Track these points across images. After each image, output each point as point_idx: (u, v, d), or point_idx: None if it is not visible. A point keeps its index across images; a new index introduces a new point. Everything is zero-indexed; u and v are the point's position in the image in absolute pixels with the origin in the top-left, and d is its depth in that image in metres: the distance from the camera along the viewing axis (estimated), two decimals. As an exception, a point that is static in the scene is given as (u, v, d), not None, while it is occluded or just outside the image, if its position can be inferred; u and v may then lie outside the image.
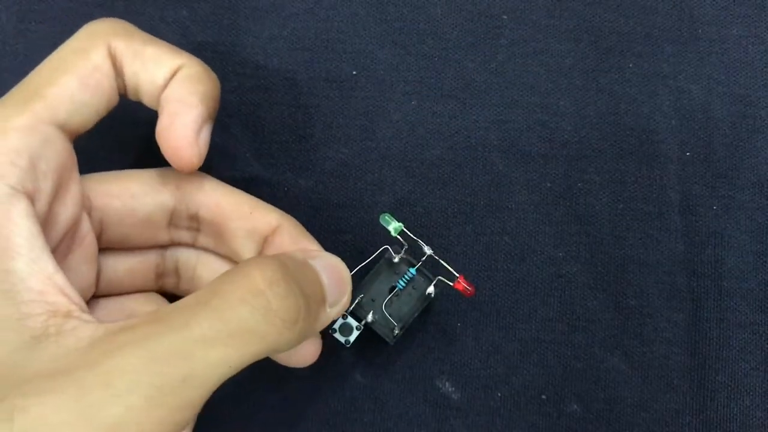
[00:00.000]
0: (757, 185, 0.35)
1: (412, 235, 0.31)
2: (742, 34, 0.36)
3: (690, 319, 0.34)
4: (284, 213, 0.31)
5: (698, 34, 0.36)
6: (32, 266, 0.24)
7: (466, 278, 0.31)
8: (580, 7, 0.36)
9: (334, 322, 0.31)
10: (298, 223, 0.31)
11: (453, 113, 0.35)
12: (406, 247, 0.31)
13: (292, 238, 0.30)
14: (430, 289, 0.32)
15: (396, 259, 0.32)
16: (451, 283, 0.31)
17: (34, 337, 0.23)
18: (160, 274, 0.32)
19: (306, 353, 0.31)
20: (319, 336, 0.31)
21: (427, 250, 0.31)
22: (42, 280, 0.24)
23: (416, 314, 0.32)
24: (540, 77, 0.36)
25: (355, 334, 0.32)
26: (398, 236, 0.31)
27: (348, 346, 0.31)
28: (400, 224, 0.31)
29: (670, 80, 0.35)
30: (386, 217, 0.31)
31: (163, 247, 0.32)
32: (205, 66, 0.30)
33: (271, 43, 0.36)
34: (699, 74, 0.35)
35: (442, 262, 0.31)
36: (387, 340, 0.32)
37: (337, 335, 0.31)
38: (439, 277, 0.31)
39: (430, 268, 0.32)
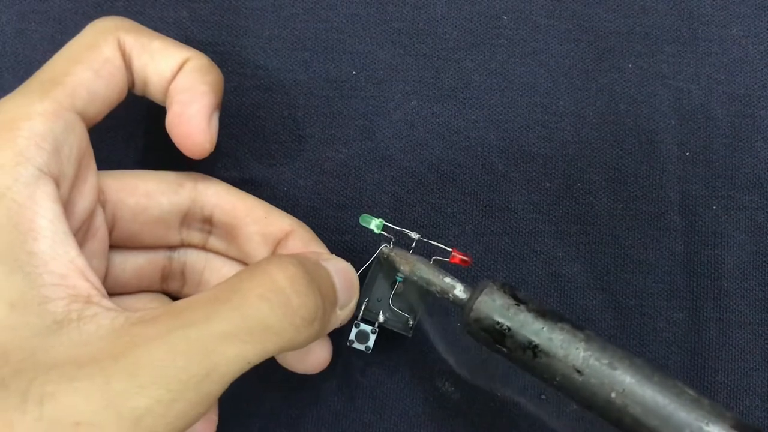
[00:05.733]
0: (757, 185, 0.35)
1: (395, 227, 0.31)
2: (742, 34, 0.36)
3: (690, 319, 0.34)
4: (296, 219, 0.31)
5: (698, 34, 0.36)
6: (55, 249, 0.24)
7: (457, 262, 0.31)
8: (580, 8, 0.36)
9: (348, 332, 0.32)
10: (309, 229, 0.31)
11: (452, 113, 0.35)
12: (394, 240, 0.32)
13: (303, 242, 0.31)
14: None
15: (387, 255, 0.32)
16: (447, 260, 0.31)
17: (56, 321, 0.23)
18: (166, 276, 0.32)
19: (317, 359, 0.31)
20: (330, 341, 0.32)
21: (414, 236, 0.31)
22: (64, 263, 0.24)
23: (424, 300, 0.32)
24: (540, 77, 0.36)
25: (372, 338, 0.32)
26: (383, 232, 0.31)
27: (369, 352, 0.32)
28: (381, 220, 0.31)
29: (669, 80, 0.35)
30: (366, 217, 0.31)
31: (172, 248, 0.32)
32: (210, 60, 0.30)
33: (271, 43, 0.36)
34: (698, 74, 0.36)
35: (432, 242, 0.31)
36: (404, 333, 0.32)
37: (356, 345, 0.32)
38: (435, 257, 0.31)
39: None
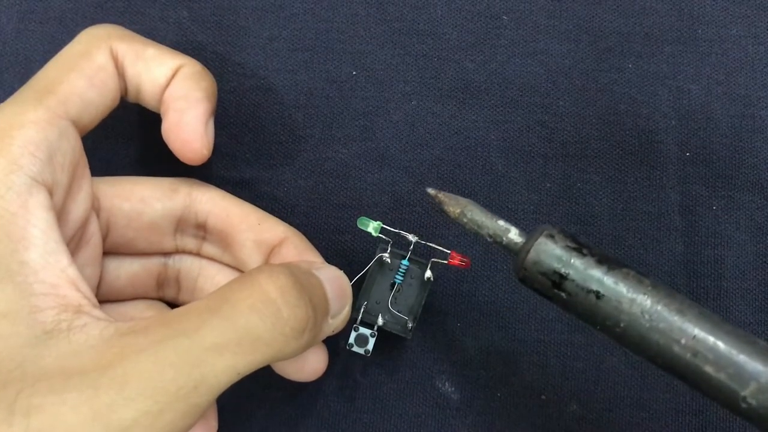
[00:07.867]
0: (757, 185, 0.35)
1: (392, 229, 0.31)
2: (742, 34, 0.36)
3: (690, 319, 0.34)
4: (290, 226, 0.31)
5: (698, 34, 0.36)
6: (46, 258, 0.24)
7: (456, 263, 0.31)
8: (580, 8, 0.36)
9: (347, 336, 0.32)
10: (303, 236, 0.31)
11: (452, 113, 0.35)
12: (391, 242, 0.32)
13: (297, 250, 0.31)
14: (428, 273, 0.32)
15: (387, 258, 0.32)
16: (445, 262, 0.31)
17: (46, 331, 0.23)
18: (161, 283, 0.32)
19: (313, 367, 0.31)
20: (325, 349, 0.32)
21: (412, 238, 0.31)
22: (55, 273, 0.24)
23: (423, 302, 0.32)
24: (540, 77, 0.36)
25: (372, 341, 0.32)
26: (381, 234, 0.31)
27: (368, 355, 0.32)
28: (379, 222, 0.31)
29: (669, 80, 0.35)
30: (363, 220, 0.31)
31: (167, 255, 0.32)
32: (203, 66, 0.30)
33: (271, 43, 0.36)
34: (698, 74, 0.35)
35: (431, 244, 0.31)
36: (403, 335, 0.32)
37: (355, 348, 0.32)
38: (433, 259, 0.31)
39: (422, 254, 0.32)
